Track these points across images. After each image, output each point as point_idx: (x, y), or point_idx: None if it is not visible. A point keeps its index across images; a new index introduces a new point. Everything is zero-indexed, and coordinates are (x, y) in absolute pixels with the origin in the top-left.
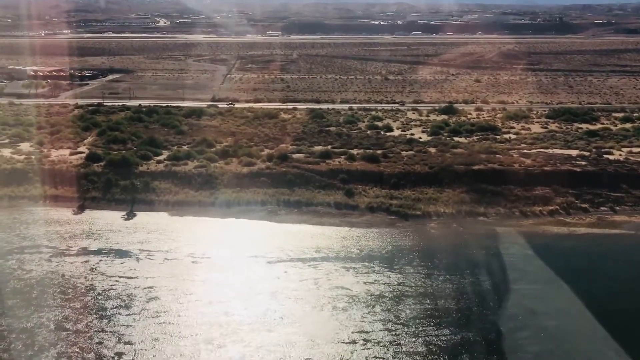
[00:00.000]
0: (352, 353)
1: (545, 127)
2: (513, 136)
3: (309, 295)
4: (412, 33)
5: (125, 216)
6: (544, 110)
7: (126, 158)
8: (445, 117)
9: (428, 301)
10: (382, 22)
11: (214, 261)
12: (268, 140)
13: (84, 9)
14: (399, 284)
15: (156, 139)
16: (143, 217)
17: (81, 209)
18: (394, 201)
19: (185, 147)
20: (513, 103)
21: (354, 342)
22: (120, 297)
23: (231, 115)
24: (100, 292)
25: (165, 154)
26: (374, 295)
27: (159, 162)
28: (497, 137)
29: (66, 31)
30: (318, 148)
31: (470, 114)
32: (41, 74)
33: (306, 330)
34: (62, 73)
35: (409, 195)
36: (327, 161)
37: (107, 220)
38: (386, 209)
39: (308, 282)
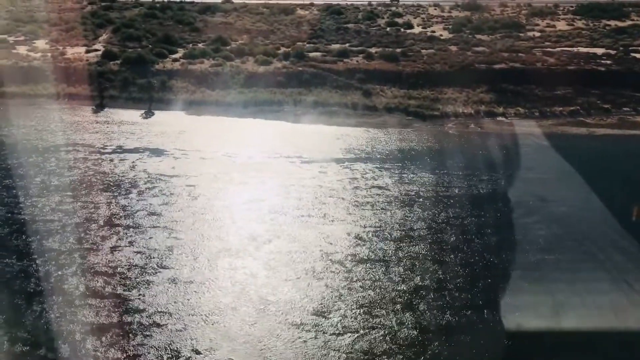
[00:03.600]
0: (397, 250)
1: (572, 24)
2: (537, 34)
3: (348, 194)
4: None
5: (144, 115)
6: (571, 6)
7: (142, 56)
8: (468, 13)
9: (456, 197)
10: None
11: (247, 161)
12: (284, 38)
13: None
14: (430, 184)
15: (171, 37)
16: (162, 116)
17: (100, 107)
18: (412, 101)
19: (200, 45)
20: None
21: (398, 239)
22: (165, 194)
23: (246, 11)
24: (144, 189)
25: (180, 52)
26: (412, 195)
27: (174, 60)
28: (521, 34)
29: None
30: (335, 46)
31: (494, 10)
32: None
33: (350, 228)
34: None
35: (428, 95)
36: (344, 60)
37: (127, 118)
38: (404, 109)
39: (345, 182)
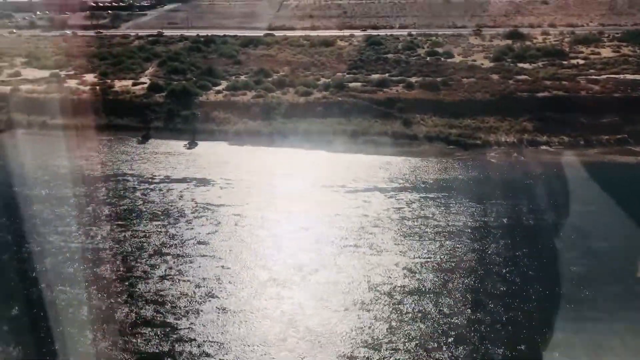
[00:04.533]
0: (449, 281)
1: (617, 51)
2: (581, 61)
3: (394, 224)
4: None
5: (188, 145)
6: (617, 33)
7: (186, 88)
8: (510, 42)
9: (503, 229)
10: None
11: (290, 190)
12: (324, 68)
13: None
14: (478, 214)
15: (215, 69)
16: (205, 146)
17: (146, 138)
18: (453, 130)
19: (243, 77)
20: (583, 26)
21: (448, 270)
22: (212, 223)
23: (288, 43)
24: (192, 218)
25: (223, 84)
26: (458, 225)
27: (217, 92)
28: (564, 62)
29: None
30: (375, 76)
31: (536, 38)
32: (101, 4)
33: (398, 259)
34: (121, 3)
35: (469, 124)
36: (384, 90)
37: (172, 149)
38: (445, 138)
39: (391, 212)
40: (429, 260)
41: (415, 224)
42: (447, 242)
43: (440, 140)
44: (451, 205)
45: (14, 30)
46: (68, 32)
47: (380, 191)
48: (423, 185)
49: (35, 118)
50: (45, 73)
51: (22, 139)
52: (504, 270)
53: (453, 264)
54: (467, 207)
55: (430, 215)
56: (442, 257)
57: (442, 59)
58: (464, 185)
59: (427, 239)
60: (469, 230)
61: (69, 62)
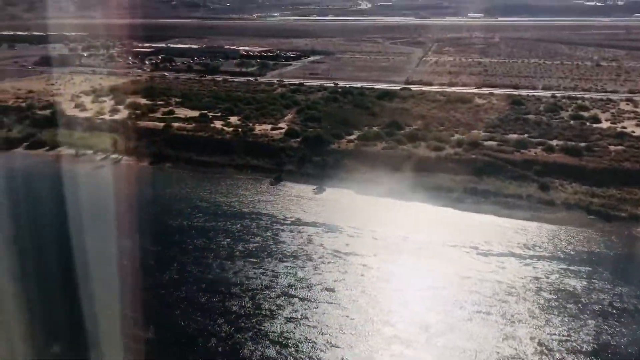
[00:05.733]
0: None
1: None
2: None
3: (530, 295)
4: (635, 15)
5: (316, 190)
6: None
7: (320, 136)
8: None
9: None
10: (597, 3)
11: (419, 246)
12: (459, 125)
13: None
14: (626, 295)
15: (349, 119)
16: (333, 193)
17: (278, 180)
18: (596, 200)
19: (375, 128)
20: None
21: (593, 354)
22: (339, 271)
23: (423, 98)
24: (319, 263)
25: (356, 133)
26: (605, 304)
27: (349, 141)
28: None
29: (276, 14)
30: (513, 136)
31: None
32: (251, 53)
33: (534, 333)
34: (269, 53)
35: (614, 194)
36: (521, 151)
37: (302, 193)
38: (585, 207)
39: (527, 281)
40: (569, 339)
41: (554, 297)
42: (590, 322)
43: (579, 208)
44: (595, 281)
45: (174, 73)
46: (219, 77)
47: (516, 257)
48: (562, 256)
49: (182, 154)
50: (195, 113)
51: (169, 172)
52: None
53: (597, 348)
54: (613, 286)
55: (571, 290)
56: (584, 337)
57: (588, 123)
58: (608, 261)
59: (567, 315)
60: (616, 312)
61: (216, 104)
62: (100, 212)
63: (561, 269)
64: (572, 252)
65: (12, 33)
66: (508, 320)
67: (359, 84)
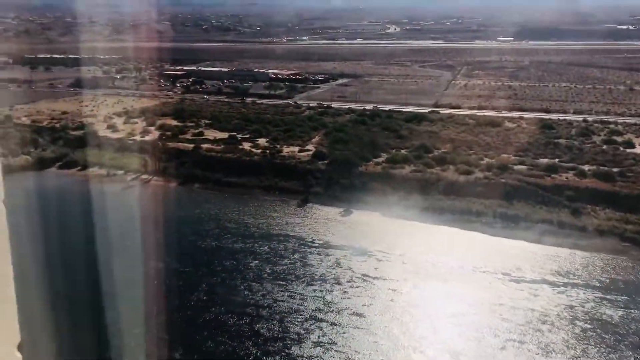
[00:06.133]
0: None
1: None
2: None
3: (565, 324)
4: None
5: (343, 213)
6: None
7: (348, 158)
8: None
9: None
10: (631, 27)
11: (449, 270)
12: (488, 149)
13: (322, 17)
14: None
15: (376, 142)
16: (360, 216)
17: (305, 202)
18: (630, 226)
19: (403, 151)
20: None
21: None
22: (368, 295)
23: (452, 121)
24: (348, 288)
25: (384, 156)
26: None
27: (377, 164)
28: None
29: (305, 38)
30: (543, 161)
31: None
32: (280, 76)
33: None
34: (297, 77)
35: None
36: (552, 176)
37: (329, 215)
38: (620, 234)
39: (561, 309)
40: None
41: (590, 326)
42: (629, 354)
43: (613, 235)
44: (632, 310)
45: (204, 96)
46: (248, 100)
47: (549, 285)
48: (598, 284)
49: (211, 175)
50: (224, 135)
51: (197, 192)
52: None
53: None
54: None
55: (608, 320)
56: None
57: (621, 148)
58: None
59: (604, 346)
60: None
61: (245, 126)
62: (129, 232)
63: (597, 297)
64: (607, 280)
65: (48, 56)
66: (543, 350)
67: (387, 107)
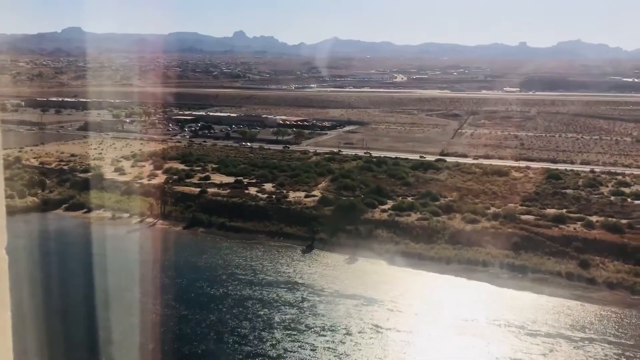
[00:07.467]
0: None
1: None
2: None
3: None
4: None
5: (349, 260)
6: None
7: (353, 205)
8: None
9: None
10: (636, 80)
11: (463, 323)
12: (495, 198)
13: (330, 66)
14: None
15: (383, 189)
16: (365, 264)
17: (310, 248)
18: None
19: (409, 199)
20: None
21: None
22: (381, 347)
23: (459, 170)
24: (360, 340)
25: (390, 203)
26: None
27: (383, 210)
28: None
29: (313, 85)
30: (551, 211)
31: None
32: (288, 122)
33: None
34: (305, 123)
35: None
36: (560, 226)
37: (334, 262)
38: (629, 287)
39: None
40: None
41: None
42: None
43: (623, 288)
44: None
45: (212, 140)
46: (256, 145)
47: (564, 339)
48: (614, 340)
49: (215, 219)
50: (230, 179)
51: (201, 236)
52: None
53: None
54: None
55: None
56: None
57: (629, 199)
58: None
59: None
60: None
61: (252, 171)
62: (133, 277)
63: (615, 353)
64: (623, 335)
65: (60, 99)
66: None
67: (393, 154)
